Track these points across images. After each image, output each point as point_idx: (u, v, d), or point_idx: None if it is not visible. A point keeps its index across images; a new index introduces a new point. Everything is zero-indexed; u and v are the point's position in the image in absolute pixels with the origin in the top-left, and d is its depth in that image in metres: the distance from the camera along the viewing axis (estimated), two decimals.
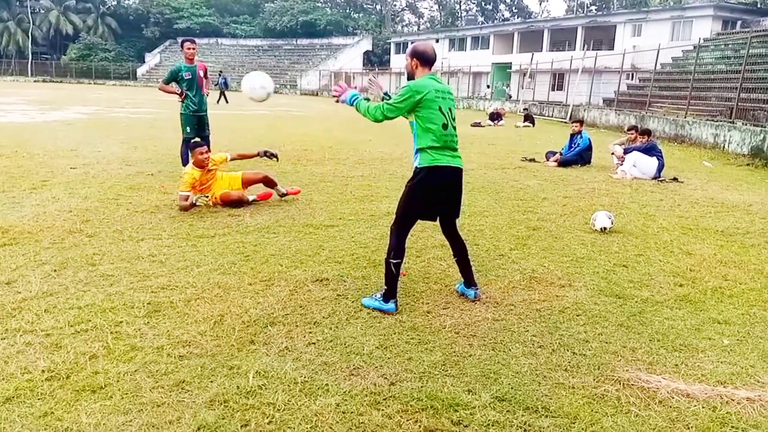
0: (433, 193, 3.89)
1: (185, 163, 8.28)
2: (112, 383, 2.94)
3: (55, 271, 4.49)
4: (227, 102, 31.54)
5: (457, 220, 4.19)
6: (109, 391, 2.87)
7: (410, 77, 3.90)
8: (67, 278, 4.34)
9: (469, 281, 4.23)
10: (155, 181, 8.21)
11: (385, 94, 4.14)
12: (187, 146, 8.14)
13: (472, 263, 4.24)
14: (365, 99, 3.97)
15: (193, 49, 8.34)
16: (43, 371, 3.03)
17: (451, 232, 4.18)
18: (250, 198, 6.97)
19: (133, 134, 14.44)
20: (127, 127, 16.57)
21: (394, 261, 3.93)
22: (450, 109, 3.83)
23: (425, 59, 3.85)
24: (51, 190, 7.35)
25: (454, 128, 3.87)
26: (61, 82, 62.98)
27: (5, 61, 68.72)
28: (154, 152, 11.22)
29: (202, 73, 8.50)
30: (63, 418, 2.65)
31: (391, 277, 3.93)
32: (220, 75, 35.66)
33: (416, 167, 3.89)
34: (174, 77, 8.32)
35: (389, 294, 3.96)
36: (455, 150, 3.90)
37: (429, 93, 3.72)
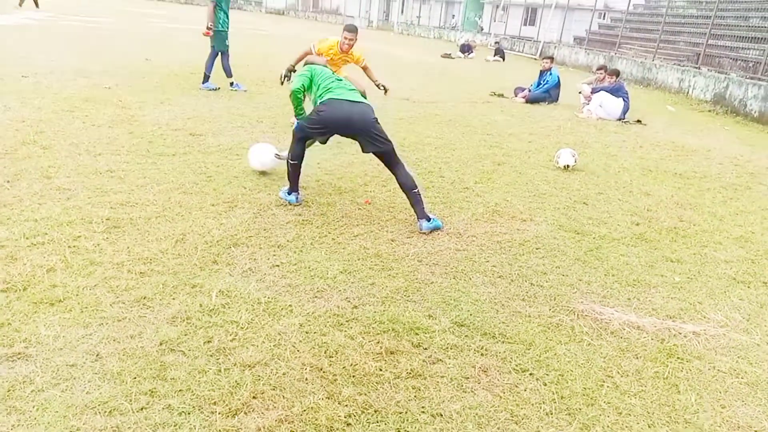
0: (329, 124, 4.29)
1: (208, 72, 8.96)
2: (71, 297, 2.90)
3: (8, 182, 4.31)
4: (37, 6, 25.44)
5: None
6: (68, 305, 2.83)
7: None
8: (21, 190, 4.18)
9: (418, 214, 4.27)
10: (112, 94, 7.86)
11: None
12: (214, 58, 8.96)
13: (423, 197, 4.31)
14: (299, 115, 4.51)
15: None
16: None
17: (390, 169, 4.37)
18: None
19: (89, 44, 13.68)
20: (81, 36, 15.68)
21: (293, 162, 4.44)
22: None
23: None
24: (2, 99, 6.96)
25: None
26: None
27: None
28: (110, 64, 10.68)
29: None
30: (21, 329, 2.61)
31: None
32: None
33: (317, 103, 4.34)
34: None
35: (292, 188, 4.53)
36: (353, 91, 4.37)
37: (318, 68, 4.42)
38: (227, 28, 9.07)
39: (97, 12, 27.66)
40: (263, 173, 5.16)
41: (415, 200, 4.25)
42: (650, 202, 5.38)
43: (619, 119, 9.92)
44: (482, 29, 38.06)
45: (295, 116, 4.53)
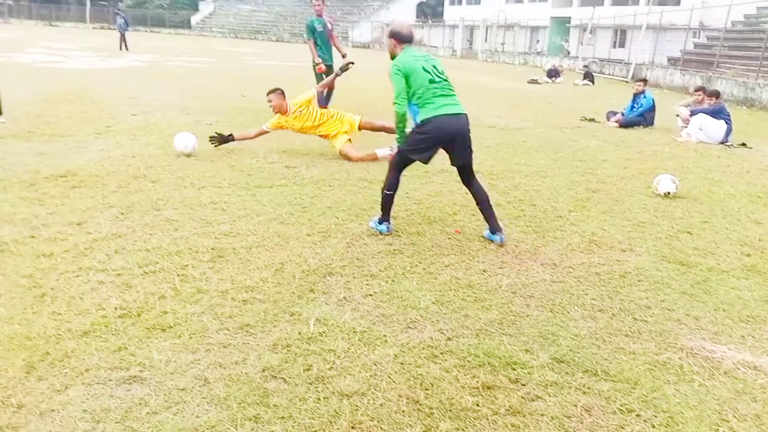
0: (435, 140, 4.28)
1: (321, 105, 8.99)
2: (181, 323, 3.07)
3: (122, 213, 4.65)
4: (127, 48, 27.16)
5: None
6: (178, 331, 2.99)
7: (392, 56, 4.41)
8: (134, 221, 4.50)
9: (493, 227, 4.46)
10: (213, 130, 8.31)
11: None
12: (322, 92, 9.08)
13: (494, 209, 4.51)
14: (398, 139, 4.47)
15: (319, 5, 9.37)
16: (115, 308, 3.17)
17: (466, 180, 4.51)
18: (379, 153, 6.99)
19: (191, 83, 14.63)
20: (183, 76, 16.80)
21: (388, 192, 4.47)
22: (434, 66, 4.30)
23: (402, 37, 4.37)
24: (114, 136, 7.56)
25: (445, 80, 4.33)
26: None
27: (65, 7, 70.02)
28: (211, 101, 11.36)
29: (330, 27, 9.42)
30: (136, 353, 2.79)
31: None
32: (117, 15, 30.46)
33: (419, 121, 4.30)
34: (312, 31, 9.27)
35: (383, 218, 4.56)
36: (451, 96, 4.31)
37: (409, 62, 4.23)
38: (331, 62, 9.50)
39: (194, 52, 29.61)
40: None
41: (491, 212, 4.46)
42: (762, 231, 5.03)
43: (722, 142, 9.39)
44: (569, 53, 37.40)
45: (397, 141, 4.44)
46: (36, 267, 3.63)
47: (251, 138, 7.02)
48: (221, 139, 6.83)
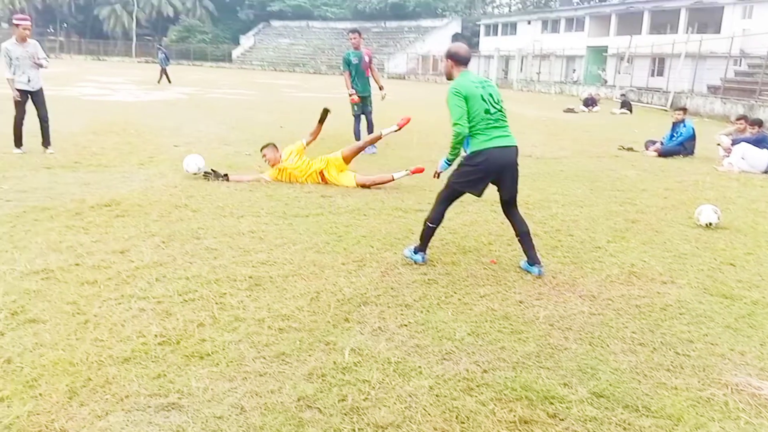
0: (486, 172, 4.27)
1: (357, 137, 9.51)
2: (219, 351, 3.11)
3: (163, 242, 4.77)
4: (170, 81, 27.72)
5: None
6: (215, 359, 3.04)
7: (449, 77, 4.39)
8: (174, 249, 4.61)
9: (532, 259, 4.43)
10: (252, 160, 8.52)
11: None
12: (358, 123, 9.70)
13: (533, 241, 4.48)
14: (449, 157, 4.39)
15: (355, 38, 9.78)
16: (155, 336, 3.24)
17: (508, 211, 4.49)
18: (396, 176, 7.16)
19: (231, 115, 15.02)
20: (223, 108, 17.25)
21: (431, 225, 4.47)
22: (491, 95, 4.22)
23: (459, 59, 4.33)
24: (157, 166, 7.80)
25: (500, 110, 4.27)
26: None
27: (112, 42, 72.90)
28: (251, 133, 11.62)
29: (367, 59, 9.73)
30: (174, 381, 2.83)
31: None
32: (159, 51, 31.75)
33: (469, 152, 4.28)
34: (348, 63, 9.64)
35: (419, 248, 4.57)
36: (504, 128, 4.28)
37: (469, 88, 4.17)
38: (366, 94, 9.77)
39: (235, 85, 30.41)
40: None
41: (531, 244, 4.43)
42: None
43: (765, 172, 9.15)
44: (606, 82, 37.16)
45: (448, 158, 4.36)
46: (80, 294, 3.74)
47: (247, 182, 7.17)
48: (216, 176, 7.08)
